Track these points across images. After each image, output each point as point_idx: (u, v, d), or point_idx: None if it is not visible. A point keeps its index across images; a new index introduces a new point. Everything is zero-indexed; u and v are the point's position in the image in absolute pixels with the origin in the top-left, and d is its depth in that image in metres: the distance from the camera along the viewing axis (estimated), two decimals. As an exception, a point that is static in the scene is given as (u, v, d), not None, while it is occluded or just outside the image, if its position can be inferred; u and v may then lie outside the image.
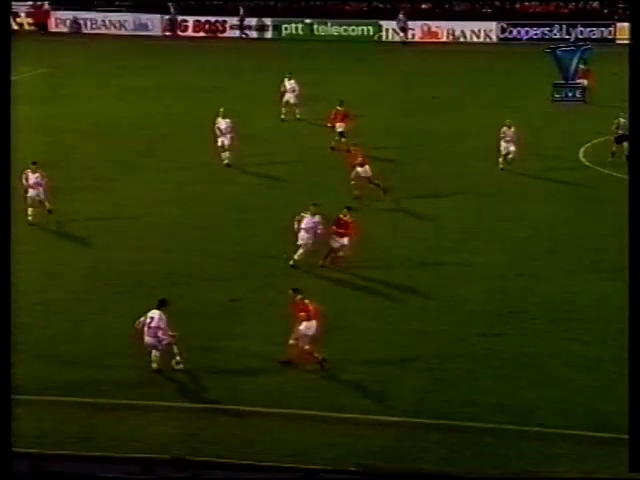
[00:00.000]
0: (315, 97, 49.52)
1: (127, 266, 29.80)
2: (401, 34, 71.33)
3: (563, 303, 27.30)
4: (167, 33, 74.45)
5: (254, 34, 73.85)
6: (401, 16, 71.54)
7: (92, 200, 36.05)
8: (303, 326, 23.71)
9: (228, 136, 39.38)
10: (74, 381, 23.21)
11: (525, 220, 33.86)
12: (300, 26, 73.95)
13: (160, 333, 23.43)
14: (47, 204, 33.77)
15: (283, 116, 46.92)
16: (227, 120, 39.63)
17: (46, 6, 76.35)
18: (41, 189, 33.70)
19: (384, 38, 72.47)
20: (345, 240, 29.43)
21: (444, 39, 71.65)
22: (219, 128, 39.50)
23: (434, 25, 72.15)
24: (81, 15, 75.84)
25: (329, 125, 42.39)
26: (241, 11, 73.38)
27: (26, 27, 76.04)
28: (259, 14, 74.46)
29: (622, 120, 37.09)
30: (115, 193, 37.11)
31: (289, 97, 46.99)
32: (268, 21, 74.19)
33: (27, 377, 23.16)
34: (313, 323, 23.81)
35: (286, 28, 74.17)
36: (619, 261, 25.96)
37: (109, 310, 26.91)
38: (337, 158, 39.81)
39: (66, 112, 49.31)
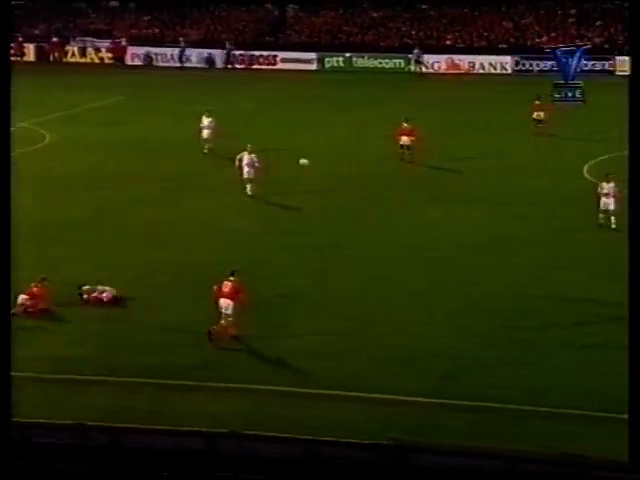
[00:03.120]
0: (350, 121, 49.57)
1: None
2: (416, 66, 71.04)
3: (576, 301, 26.96)
4: (228, 66, 74.56)
5: (298, 66, 73.68)
6: (416, 50, 71.47)
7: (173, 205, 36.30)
8: (221, 302, 24.20)
9: (252, 169, 37.13)
10: (147, 364, 23.27)
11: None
12: (341, 59, 73.89)
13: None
14: None
15: (206, 150, 43.82)
16: (252, 155, 37.26)
17: (123, 42, 76.69)
18: None
19: (413, 70, 72.22)
20: None
21: (465, 70, 71.39)
22: (240, 160, 37.36)
23: (457, 58, 71.95)
24: (153, 50, 76.12)
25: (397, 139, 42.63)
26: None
27: (106, 61, 76.46)
28: (305, 49, 74.54)
29: None
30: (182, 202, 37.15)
31: (205, 133, 43.81)
32: (313, 55, 74.12)
33: (109, 362, 23.36)
34: (228, 302, 24.08)
35: (328, 61, 74.14)
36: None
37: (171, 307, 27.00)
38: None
39: (137, 133, 49.47)
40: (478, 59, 71.33)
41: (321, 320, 25.87)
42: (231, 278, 24.75)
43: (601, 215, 32.62)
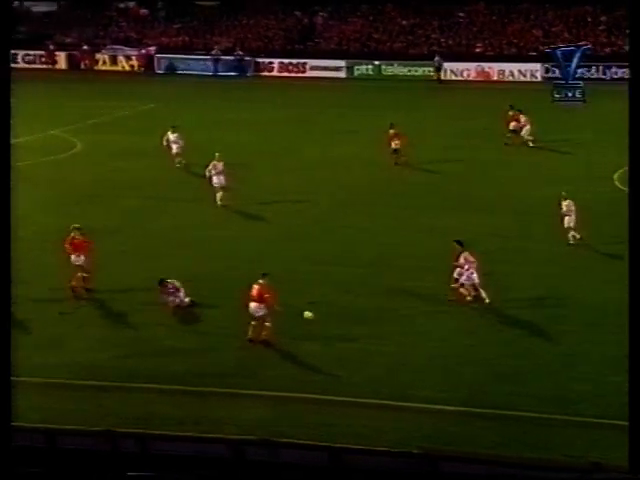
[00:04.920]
0: (375, 129, 49.74)
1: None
2: (437, 74, 70.96)
3: (596, 309, 26.82)
4: (255, 73, 74.78)
5: (328, 74, 73.79)
6: (437, 58, 71.61)
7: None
8: (251, 306, 24.58)
9: (222, 177, 37.40)
10: (178, 372, 23.37)
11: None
12: (370, 67, 73.94)
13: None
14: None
15: (178, 165, 43.53)
16: (220, 163, 37.68)
17: (153, 50, 77.03)
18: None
19: (443, 77, 72.16)
20: None
21: (495, 78, 71.24)
22: (210, 171, 37.65)
23: (486, 66, 71.83)
24: (182, 58, 76.42)
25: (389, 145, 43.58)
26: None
27: (137, 69, 76.85)
28: (334, 57, 74.70)
29: None
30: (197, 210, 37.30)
31: (174, 148, 43.70)
32: (342, 63, 74.24)
33: (139, 368, 23.44)
34: (258, 305, 24.47)
35: (357, 69, 74.22)
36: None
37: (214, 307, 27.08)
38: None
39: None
40: (508, 67, 71.19)
41: (348, 327, 25.87)
42: (260, 281, 24.88)
43: (571, 234, 32.27)
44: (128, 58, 77.10)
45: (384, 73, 73.31)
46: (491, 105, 59.86)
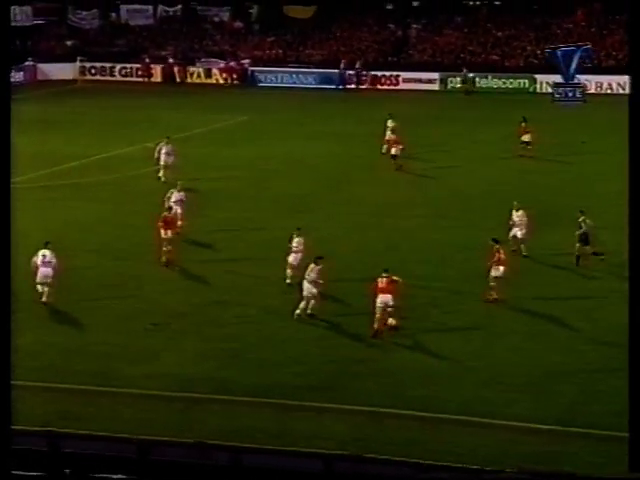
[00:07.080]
0: (473, 140, 49.41)
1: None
2: (464, 86, 71.43)
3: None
4: (352, 86, 74.82)
5: (421, 86, 73.60)
6: (465, 70, 71.69)
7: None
8: (381, 298, 25.76)
9: (180, 208, 35.31)
10: (270, 384, 23.46)
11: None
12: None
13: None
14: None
15: (163, 178, 42.10)
16: (181, 193, 35.89)
17: (242, 64, 77.72)
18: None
19: (538, 90, 71.44)
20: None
21: (592, 91, 70.01)
22: (169, 198, 35.74)
23: (583, 78, 70.58)
24: (276, 71, 77.00)
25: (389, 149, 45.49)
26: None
27: (230, 81, 77.55)
28: (427, 69, 74.55)
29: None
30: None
31: (165, 159, 42.46)
32: (435, 75, 74.02)
33: (230, 381, 23.63)
34: (388, 296, 25.73)
35: (451, 81, 73.91)
36: None
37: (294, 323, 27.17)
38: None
39: (259, 153, 50.07)
40: (606, 79, 70.03)
41: (439, 343, 25.74)
42: (384, 274, 25.93)
43: (522, 245, 32.50)
44: (222, 71, 77.90)
45: (478, 85, 72.89)
46: (584, 120, 58.68)
